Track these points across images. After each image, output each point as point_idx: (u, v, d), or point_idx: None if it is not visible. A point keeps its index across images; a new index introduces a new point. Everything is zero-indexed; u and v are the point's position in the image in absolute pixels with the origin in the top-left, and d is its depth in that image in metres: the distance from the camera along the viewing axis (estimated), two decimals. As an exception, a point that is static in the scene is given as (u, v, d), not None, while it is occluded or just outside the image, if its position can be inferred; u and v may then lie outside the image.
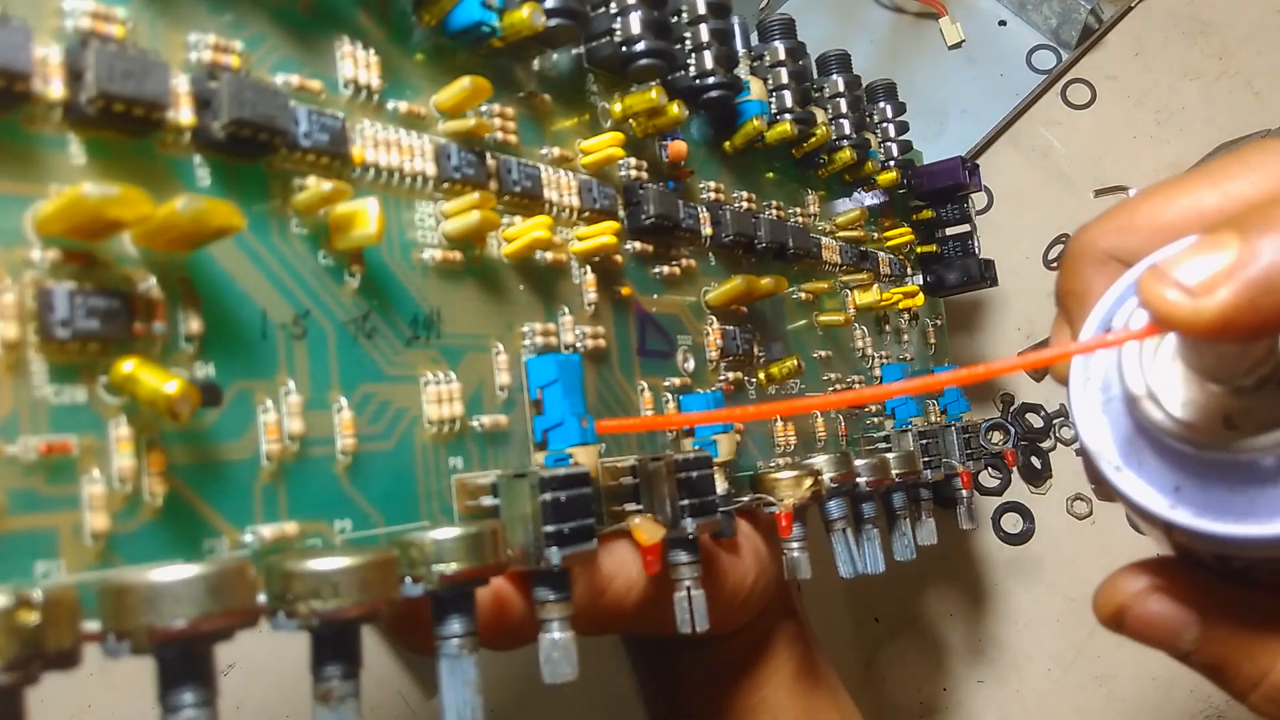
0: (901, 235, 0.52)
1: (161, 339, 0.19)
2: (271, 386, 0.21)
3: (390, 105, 0.25)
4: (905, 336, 0.53)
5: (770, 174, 0.43)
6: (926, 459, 0.45)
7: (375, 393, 0.23)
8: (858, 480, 0.39)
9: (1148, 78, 0.72)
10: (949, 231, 0.55)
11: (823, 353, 0.44)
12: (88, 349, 0.18)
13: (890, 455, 0.42)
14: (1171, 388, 0.21)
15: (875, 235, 0.51)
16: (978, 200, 0.57)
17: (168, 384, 0.18)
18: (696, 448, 0.31)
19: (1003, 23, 0.71)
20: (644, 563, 0.28)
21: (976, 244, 0.55)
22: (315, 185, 0.22)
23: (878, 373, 0.47)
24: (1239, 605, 0.23)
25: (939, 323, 0.56)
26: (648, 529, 0.27)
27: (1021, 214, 0.59)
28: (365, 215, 0.22)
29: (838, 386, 0.44)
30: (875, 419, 0.46)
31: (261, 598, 0.19)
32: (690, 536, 0.28)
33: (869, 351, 0.48)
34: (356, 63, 0.24)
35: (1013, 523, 0.63)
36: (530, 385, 0.27)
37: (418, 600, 0.22)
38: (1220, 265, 0.18)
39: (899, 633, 0.70)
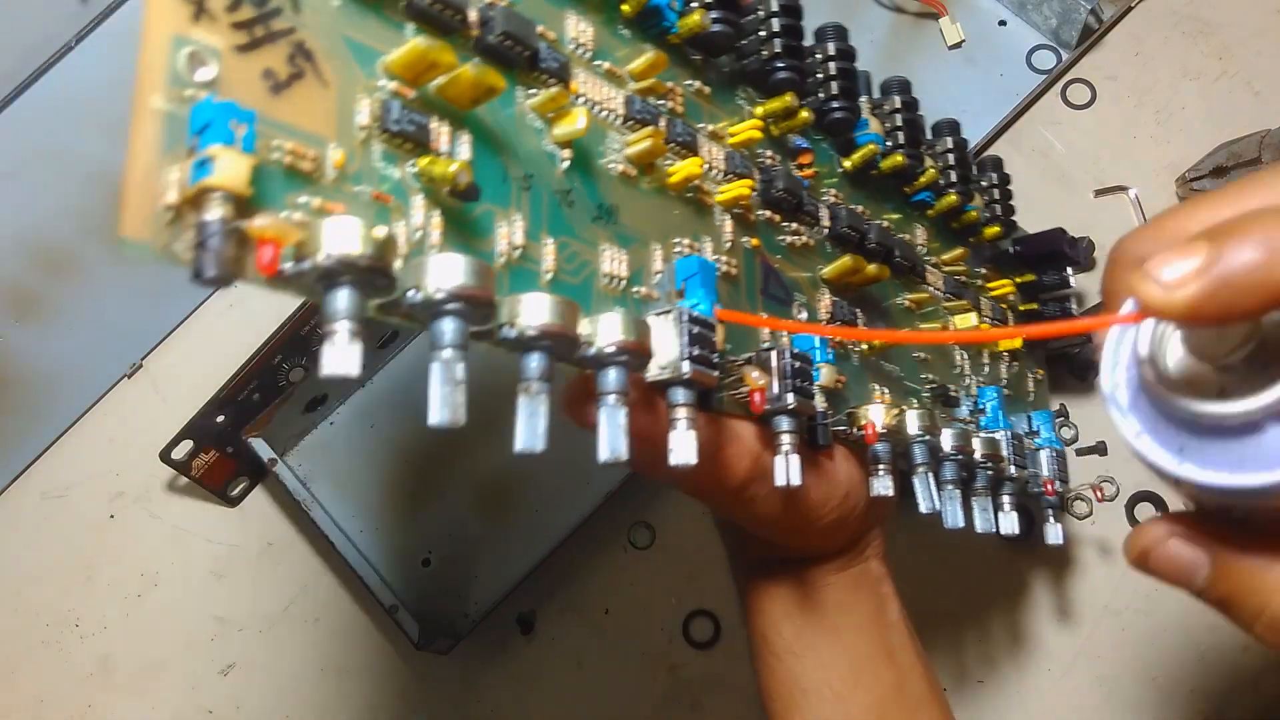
0: (1003, 288, 0.59)
1: (446, 154, 0.30)
2: (506, 213, 0.32)
3: (597, 64, 0.37)
4: (1004, 371, 0.58)
5: (883, 199, 0.52)
6: (1014, 457, 0.51)
7: (569, 244, 0.34)
8: (941, 436, 0.45)
9: (1148, 78, 0.73)
10: (1050, 294, 0.60)
11: (922, 354, 0.52)
12: (404, 145, 0.29)
13: (977, 435, 0.49)
14: (1177, 365, 0.27)
15: (978, 281, 0.58)
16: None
17: (451, 166, 0.29)
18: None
19: (1003, 23, 0.73)
20: (752, 405, 0.37)
21: (1076, 309, 0.61)
22: (545, 93, 0.34)
23: (974, 391, 0.54)
24: (1242, 548, 0.28)
25: (1039, 376, 0.62)
26: (757, 374, 0.36)
27: (1022, 214, 0.61)
28: (577, 115, 0.34)
29: (928, 391, 0.51)
30: (968, 419, 0.53)
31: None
32: (790, 407, 0.36)
33: (966, 370, 0.55)
34: (579, 31, 0.36)
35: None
36: (677, 277, 0.36)
37: (578, 380, 0.32)
38: (1190, 266, 0.24)
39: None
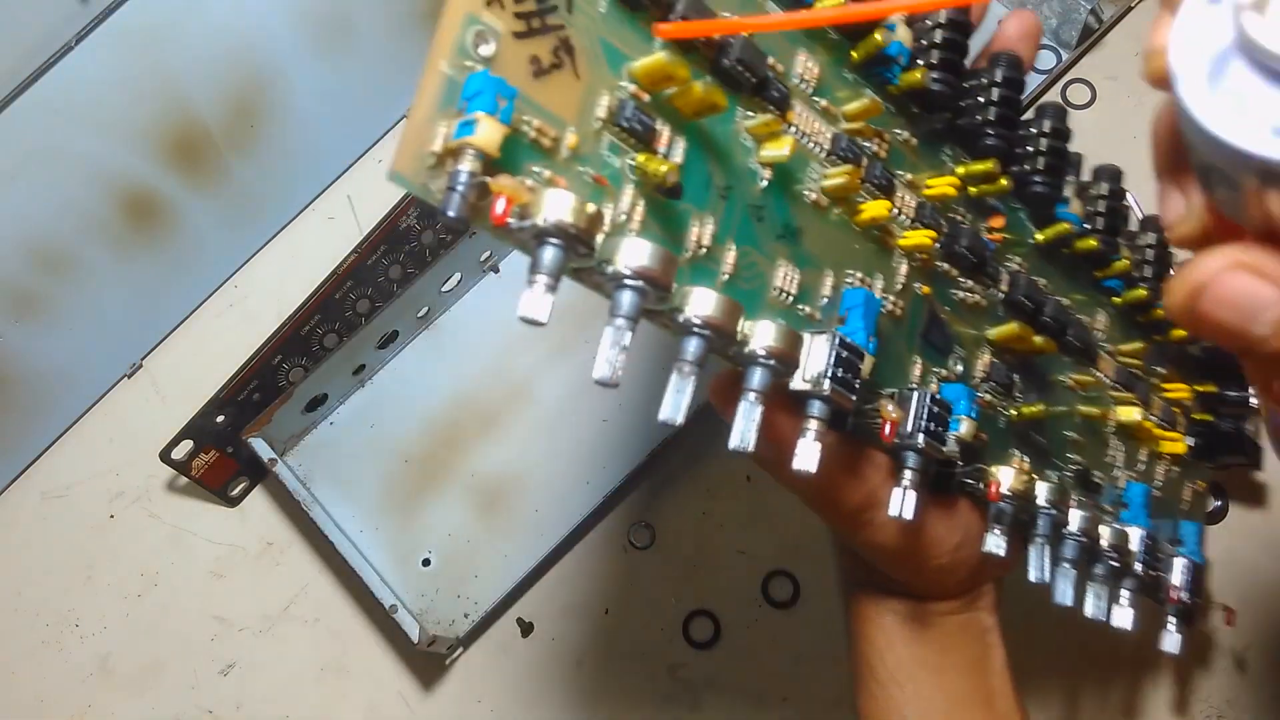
0: (1179, 391, 0.68)
1: (663, 154, 0.44)
2: (701, 215, 0.45)
3: (816, 99, 0.50)
4: (1161, 472, 0.69)
5: (1069, 278, 0.63)
6: (1144, 556, 0.62)
7: (750, 253, 0.47)
8: (1069, 514, 0.58)
9: (1149, 78, 0.86)
10: (1230, 407, 0.72)
11: (1075, 435, 0.63)
12: (629, 140, 0.43)
13: (1110, 524, 0.60)
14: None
15: (1153, 380, 0.67)
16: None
17: (664, 166, 0.42)
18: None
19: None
20: (882, 435, 0.50)
21: (1254, 427, 0.69)
22: (761, 117, 0.47)
23: (1122, 484, 0.65)
24: None
25: (1199, 488, 0.72)
26: (893, 408, 0.50)
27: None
28: (785, 141, 0.46)
29: (1071, 470, 0.62)
30: (1107, 509, 0.63)
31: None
32: (919, 446, 0.50)
33: (1119, 461, 0.66)
34: (806, 68, 0.50)
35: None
36: (842, 304, 0.49)
37: (729, 374, 0.47)
38: None
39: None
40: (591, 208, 0.39)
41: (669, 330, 0.45)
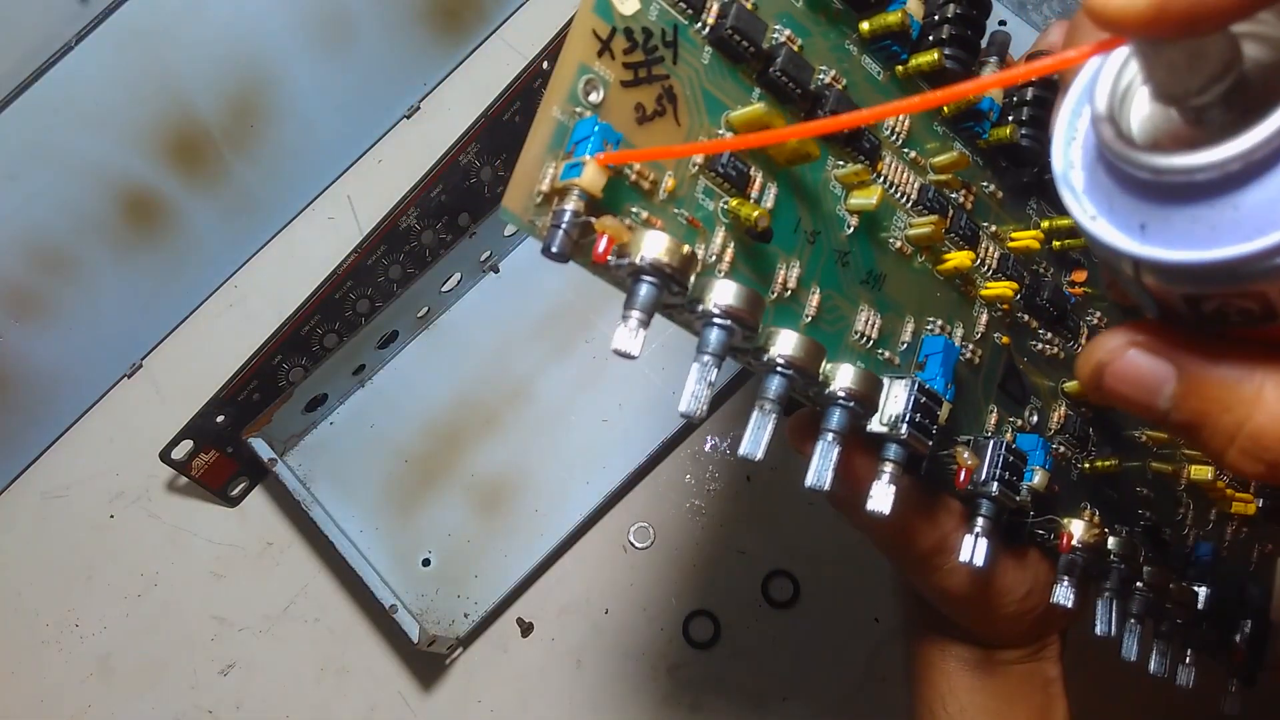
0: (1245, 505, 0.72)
1: (755, 199, 0.48)
2: (789, 258, 0.49)
3: (906, 150, 0.54)
4: (1229, 532, 0.73)
5: None
6: (1210, 616, 0.65)
7: (833, 296, 0.50)
8: (1140, 571, 0.61)
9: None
10: None
11: (1147, 491, 0.66)
12: (724, 185, 0.46)
13: (1178, 582, 0.63)
14: (1142, 122, 0.30)
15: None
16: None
17: (756, 211, 0.46)
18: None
19: (1003, 23, 0.89)
20: (957, 482, 0.53)
21: None
22: (852, 167, 0.50)
23: (1191, 541, 0.69)
24: (1214, 354, 0.31)
25: (1267, 550, 0.76)
26: (968, 455, 0.53)
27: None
28: (873, 191, 0.50)
29: (1141, 526, 0.65)
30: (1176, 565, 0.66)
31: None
32: (993, 494, 0.53)
33: (1189, 520, 0.69)
34: (897, 120, 0.54)
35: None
36: (921, 350, 0.53)
37: (807, 413, 0.50)
38: None
39: (899, 633, 0.87)
40: (686, 249, 0.43)
41: (752, 368, 0.48)
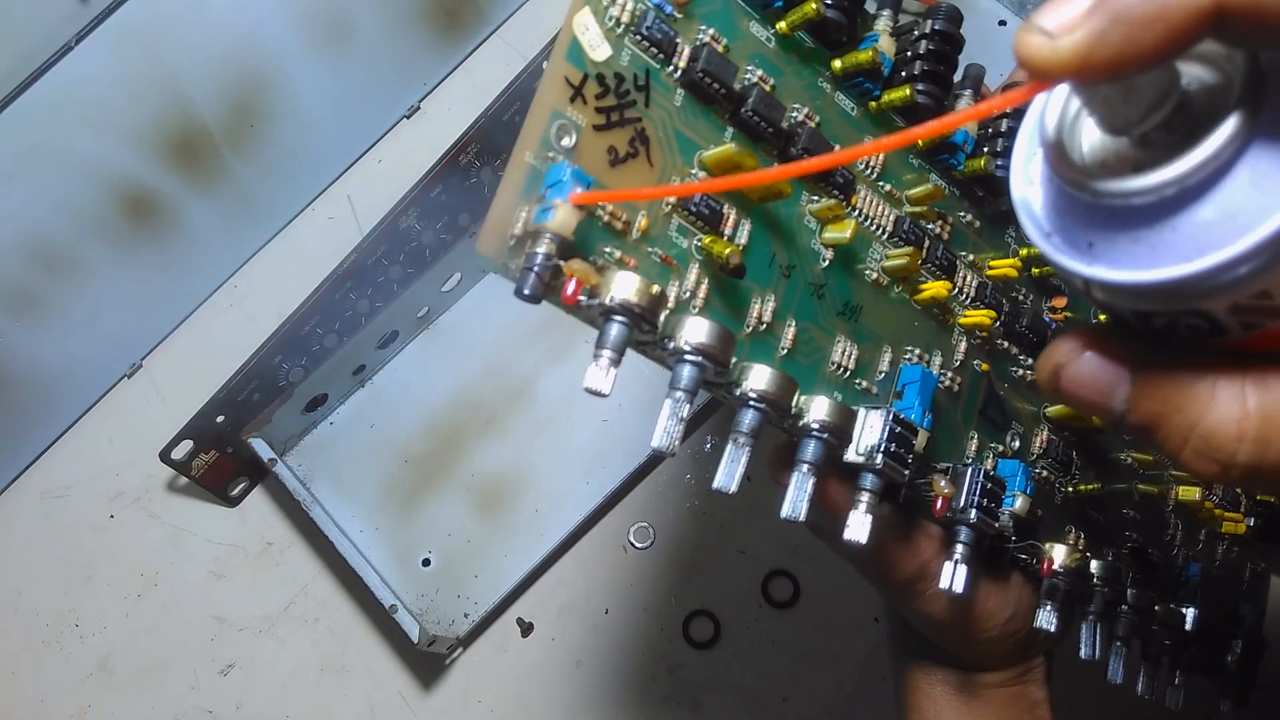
0: (1236, 525, 0.73)
1: (728, 236, 0.49)
2: (763, 293, 0.50)
3: (881, 184, 0.55)
4: (1219, 552, 0.74)
5: None
6: (1199, 636, 0.66)
7: (809, 329, 0.52)
8: (1123, 592, 0.62)
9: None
10: None
11: (1133, 513, 0.67)
12: (697, 223, 0.48)
13: (1164, 603, 0.64)
14: (1090, 147, 0.31)
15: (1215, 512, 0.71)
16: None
17: (728, 249, 0.47)
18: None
19: (1003, 23, 0.91)
20: (934, 510, 0.54)
21: None
22: (826, 202, 0.52)
23: (1180, 562, 0.69)
24: (1166, 362, 0.32)
25: (1260, 568, 0.77)
26: (945, 483, 0.54)
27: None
28: (847, 225, 0.52)
29: (1127, 548, 0.66)
30: (1164, 587, 0.67)
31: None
32: (971, 521, 0.54)
33: (1178, 540, 0.70)
34: (873, 157, 0.55)
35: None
36: (899, 379, 0.54)
37: (787, 443, 0.50)
38: (1079, 8, 0.27)
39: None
40: (656, 289, 0.44)
41: (727, 402, 0.50)
